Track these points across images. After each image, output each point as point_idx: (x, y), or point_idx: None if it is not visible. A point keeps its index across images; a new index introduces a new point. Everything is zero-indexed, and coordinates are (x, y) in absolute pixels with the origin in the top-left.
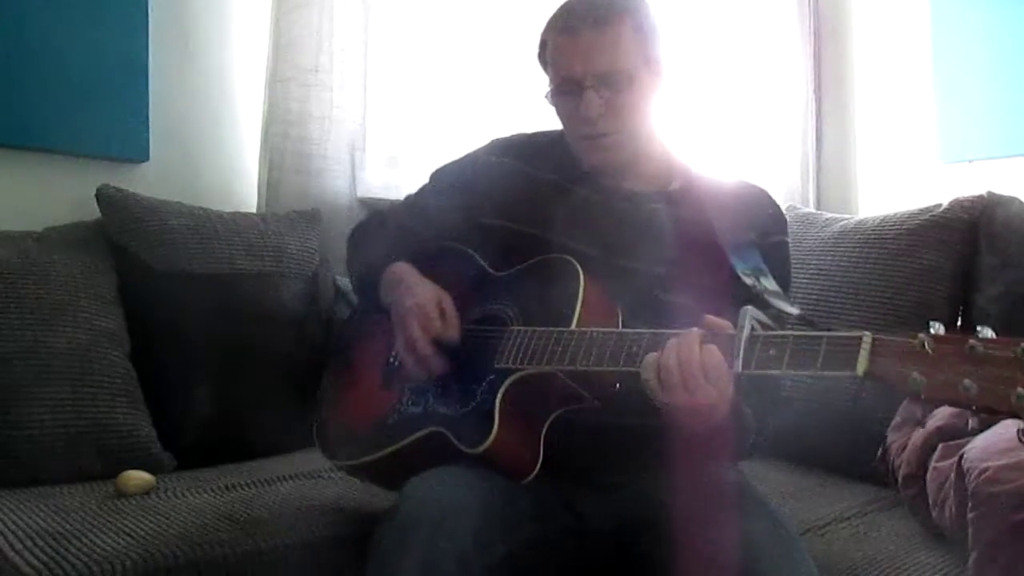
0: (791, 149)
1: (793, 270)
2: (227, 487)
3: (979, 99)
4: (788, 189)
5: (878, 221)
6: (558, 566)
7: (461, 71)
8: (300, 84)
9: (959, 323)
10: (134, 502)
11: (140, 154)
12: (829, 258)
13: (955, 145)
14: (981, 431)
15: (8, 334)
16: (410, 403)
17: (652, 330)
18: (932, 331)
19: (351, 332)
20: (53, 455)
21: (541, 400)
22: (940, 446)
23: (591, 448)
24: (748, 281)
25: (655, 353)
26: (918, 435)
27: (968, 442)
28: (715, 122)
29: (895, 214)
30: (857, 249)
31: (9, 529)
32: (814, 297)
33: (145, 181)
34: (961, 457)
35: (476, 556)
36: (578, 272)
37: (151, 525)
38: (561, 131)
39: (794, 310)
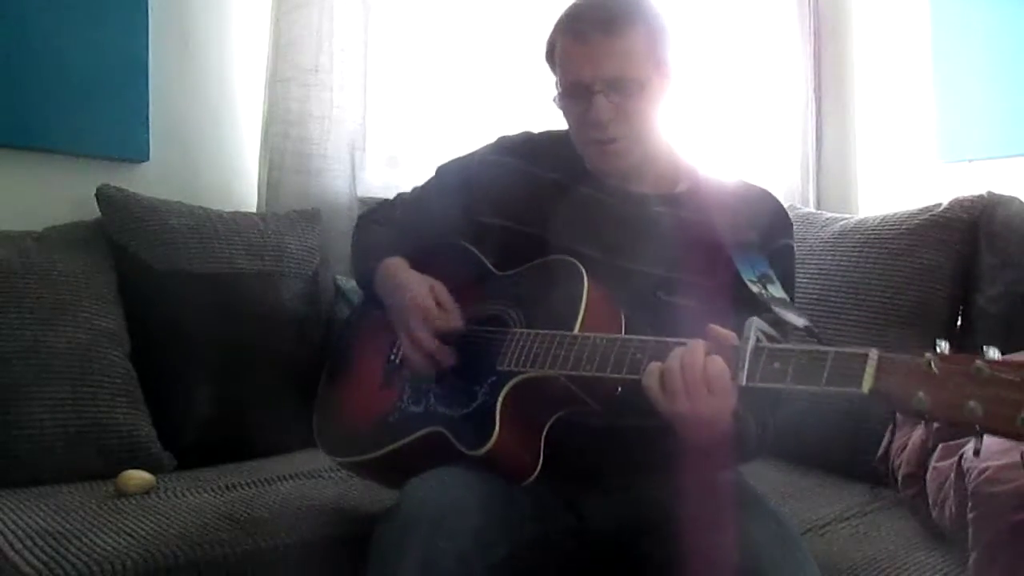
0: (791, 149)
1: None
2: (227, 487)
3: (979, 99)
4: (788, 189)
5: (878, 221)
6: (559, 567)
7: (461, 71)
8: (300, 84)
9: (959, 323)
10: (134, 502)
11: (140, 154)
12: (829, 258)
13: (955, 145)
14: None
15: (8, 334)
16: (411, 402)
17: (656, 338)
18: (938, 350)
19: (351, 330)
20: (53, 455)
21: (542, 403)
22: (940, 446)
23: (591, 449)
24: (755, 289)
25: (658, 363)
26: (918, 435)
27: (968, 442)
28: (715, 122)
29: (895, 214)
30: (857, 249)
31: (9, 529)
32: (814, 297)
33: (145, 181)
34: (961, 457)
35: (476, 556)
36: (582, 275)
37: (151, 525)
38: (566, 131)
39: (801, 321)
